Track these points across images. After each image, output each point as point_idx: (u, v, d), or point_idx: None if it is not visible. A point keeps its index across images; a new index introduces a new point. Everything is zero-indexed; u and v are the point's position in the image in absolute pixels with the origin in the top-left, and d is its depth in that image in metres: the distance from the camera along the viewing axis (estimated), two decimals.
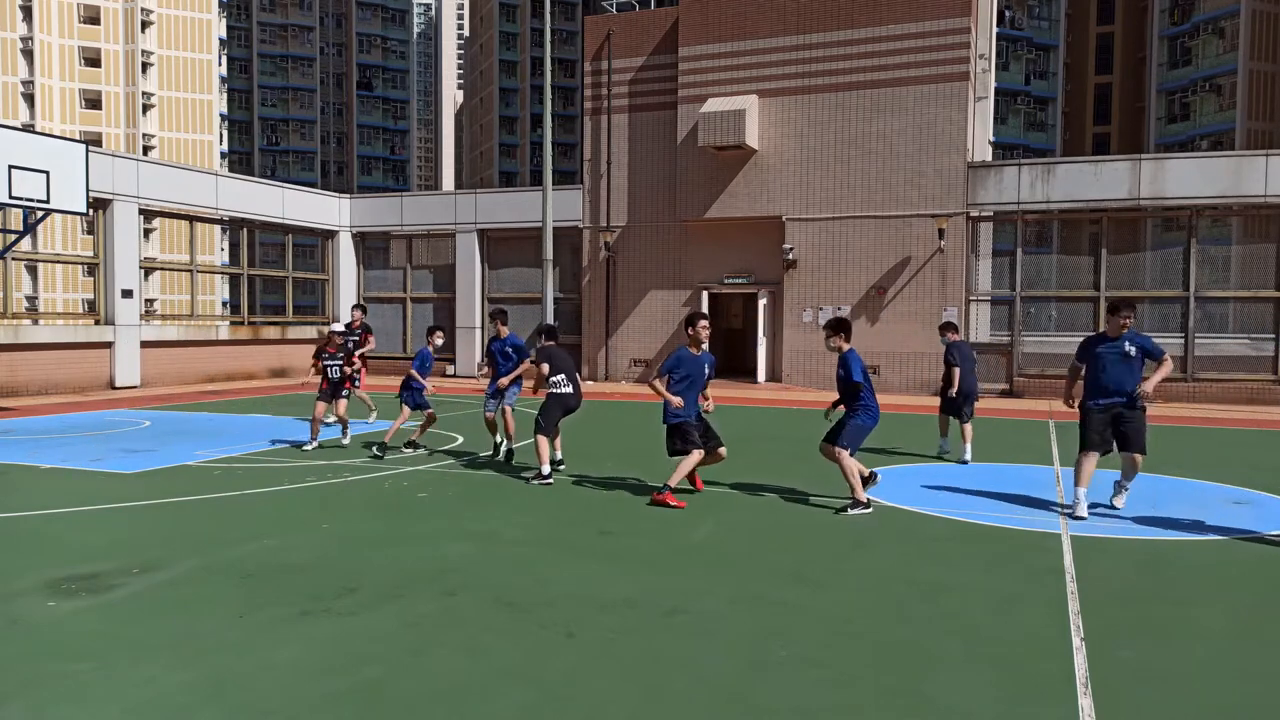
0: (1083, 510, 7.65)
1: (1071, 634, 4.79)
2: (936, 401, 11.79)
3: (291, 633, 4.74)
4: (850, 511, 7.71)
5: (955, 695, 4.02)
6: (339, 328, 11.76)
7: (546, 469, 9.08)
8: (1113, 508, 7.99)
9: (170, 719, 3.75)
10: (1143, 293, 19.52)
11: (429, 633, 4.77)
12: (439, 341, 11.37)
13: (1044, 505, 8.20)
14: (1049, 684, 4.15)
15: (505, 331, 10.48)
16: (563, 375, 9.55)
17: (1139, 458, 7.82)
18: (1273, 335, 18.83)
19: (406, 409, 11.00)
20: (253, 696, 3.95)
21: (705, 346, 8.37)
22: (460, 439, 12.19)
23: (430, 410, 11.20)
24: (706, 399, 8.49)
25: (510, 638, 4.68)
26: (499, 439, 10.68)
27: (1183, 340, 19.06)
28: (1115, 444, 7.79)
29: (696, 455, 8.22)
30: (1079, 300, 20.20)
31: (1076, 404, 7.99)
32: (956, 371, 10.77)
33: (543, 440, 9.21)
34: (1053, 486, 9.14)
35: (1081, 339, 8.20)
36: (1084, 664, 4.37)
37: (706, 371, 8.35)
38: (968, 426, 10.80)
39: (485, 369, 10.73)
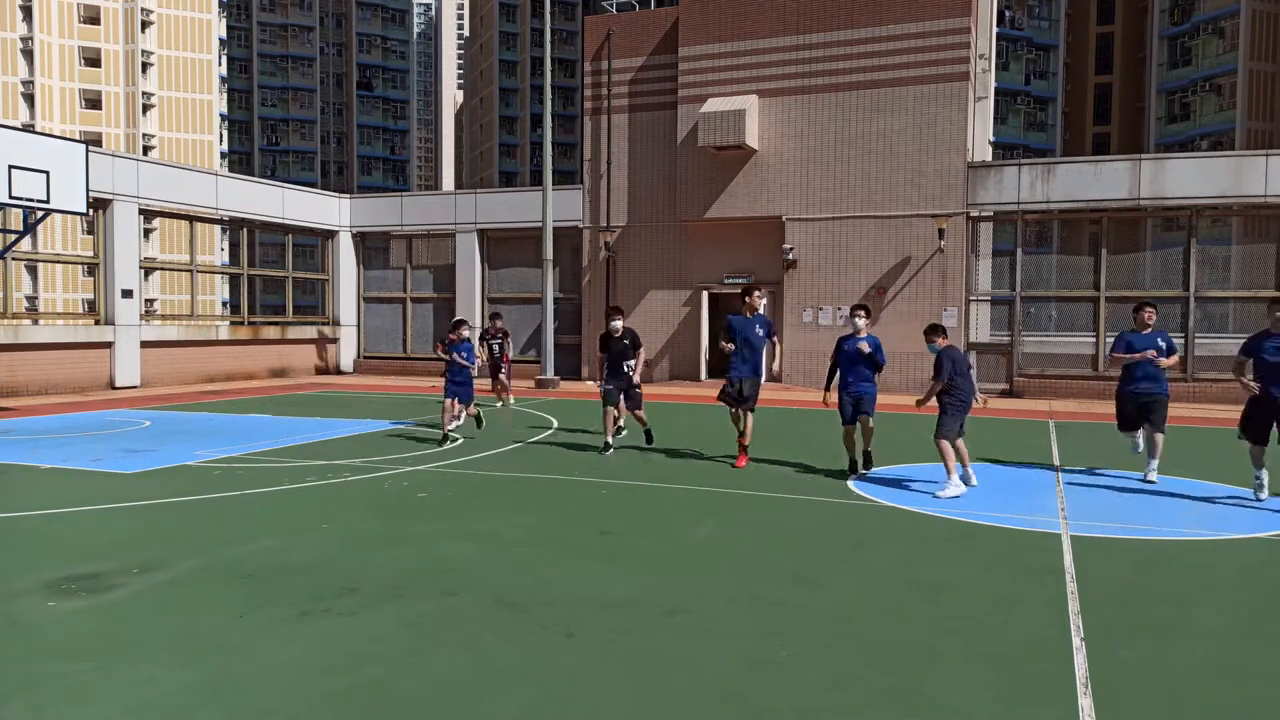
0: (1143, 447, 9.62)
1: (1071, 634, 4.79)
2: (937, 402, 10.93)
3: (291, 633, 4.74)
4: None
5: (955, 695, 4.02)
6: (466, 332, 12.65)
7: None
8: (1148, 481, 9.39)
9: (170, 719, 3.75)
10: (1143, 293, 19.50)
11: (429, 633, 4.77)
12: (465, 333, 12.35)
13: (1044, 505, 8.21)
14: (1049, 684, 4.15)
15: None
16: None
17: (1159, 436, 9.40)
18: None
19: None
20: (253, 696, 3.95)
21: (760, 311, 10.20)
22: (460, 439, 12.19)
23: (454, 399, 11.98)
24: (772, 354, 10.43)
25: (510, 638, 4.69)
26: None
27: (1183, 340, 19.05)
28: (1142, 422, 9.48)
29: (733, 412, 10.19)
30: (1079, 300, 20.21)
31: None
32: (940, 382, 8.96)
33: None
34: (1053, 487, 9.14)
35: (1114, 338, 10.22)
36: (1084, 664, 4.37)
37: (759, 330, 10.06)
38: (961, 443, 9.04)
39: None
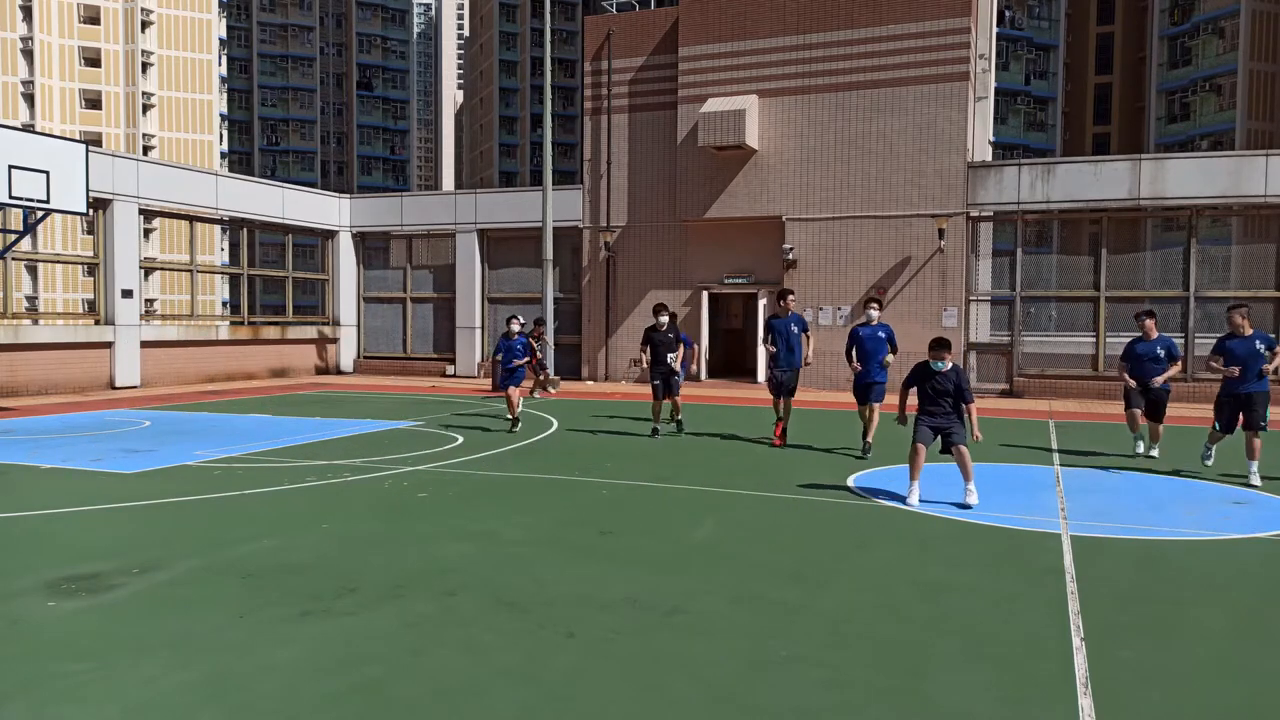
0: (1141, 448, 11.06)
1: (1071, 634, 4.79)
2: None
3: (291, 633, 4.74)
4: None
5: (955, 695, 4.02)
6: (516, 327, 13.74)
7: None
8: (1150, 456, 10.94)
9: (170, 719, 3.75)
10: (1143, 293, 19.51)
11: (429, 633, 4.77)
12: (515, 328, 13.52)
13: (1044, 505, 8.21)
14: (1049, 684, 4.15)
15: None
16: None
17: (1160, 427, 10.97)
18: (1272, 336, 18.82)
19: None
20: (253, 696, 3.95)
21: (790, 313, 11.82)
22: (460, 439, 12.19)
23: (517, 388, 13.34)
24: (807, 346, 11.87)
25: (510, 638, 4.68)
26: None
27: (1183, 340, 19.05)
28: (1146, 414, 10.94)
29: (779, 403, 11.84)
30: (1079, 300, 20.20)
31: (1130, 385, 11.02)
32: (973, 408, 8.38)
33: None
34: (1053, 487, 9.14)
35: (1126, 341, 11.48)
36: (1084, 664, 4.37)
37: (794, 329, 11.66)
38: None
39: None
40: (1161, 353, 10.75)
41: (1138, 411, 10.90)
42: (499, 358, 13.43)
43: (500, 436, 12.50)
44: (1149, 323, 10.93)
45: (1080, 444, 12.34)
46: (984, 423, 13.84)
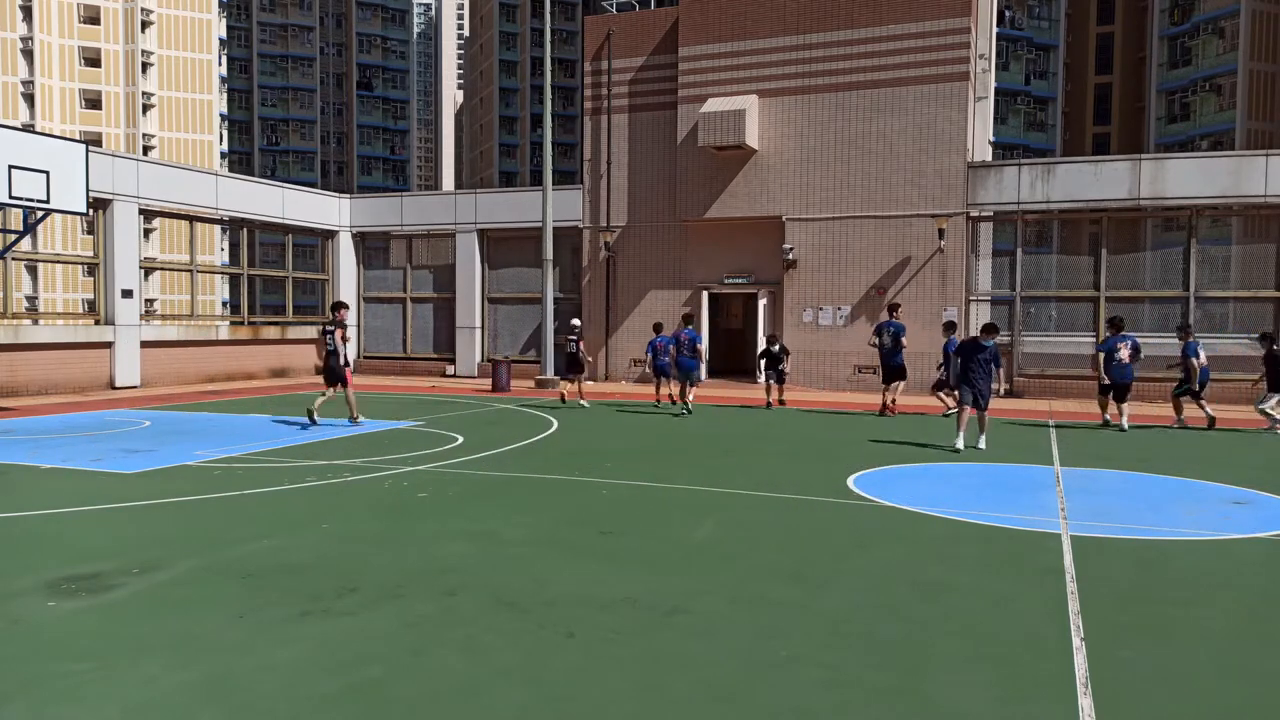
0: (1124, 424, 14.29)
1: (1071, 634, 4.79)
2: (936, 400, 16.41)
3: (291, 633, 4.74)
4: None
5: (955, 695, 4.02)
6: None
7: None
8: (1121, 429, 13.93)
9: (170, 719, 3.75)
10: (1143, 293, 19.52)
11: (429, 633, 4.77)
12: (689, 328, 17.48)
13: (1044, 505, 8.21)
14: (1049, 684, 4.15)
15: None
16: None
17: (1125, 405, 14.37)
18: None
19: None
20: (253, 696, 3.95)
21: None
22: (460, 439, 12.19)
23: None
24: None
25: (510, 638, 4.68)
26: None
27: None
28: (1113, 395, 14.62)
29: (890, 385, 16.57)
30: (1079, 300, 20.20)
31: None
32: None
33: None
34: (1053, 487, 9.14)
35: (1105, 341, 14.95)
36: (1084, 664, 4.37)
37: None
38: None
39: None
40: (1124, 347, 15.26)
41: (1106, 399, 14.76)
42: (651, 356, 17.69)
43: (500, 436, 12.51)
44: (1114, 330, 15.10)
45: (1080, 444, 12.36)
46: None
